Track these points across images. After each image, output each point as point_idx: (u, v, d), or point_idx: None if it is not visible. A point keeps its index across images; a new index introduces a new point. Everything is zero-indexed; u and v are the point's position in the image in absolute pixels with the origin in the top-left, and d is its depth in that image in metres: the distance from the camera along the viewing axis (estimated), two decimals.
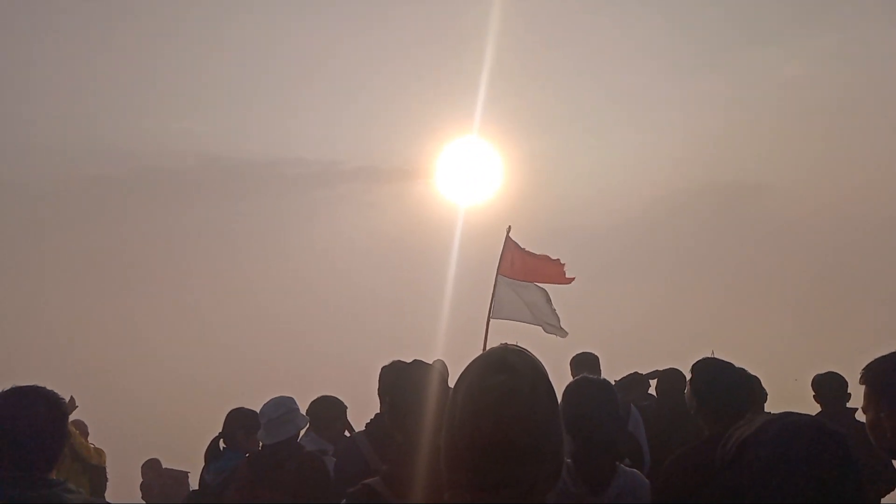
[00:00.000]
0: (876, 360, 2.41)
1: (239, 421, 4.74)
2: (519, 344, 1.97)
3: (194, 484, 5.44)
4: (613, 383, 6.77)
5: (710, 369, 3.33)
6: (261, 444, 4.29)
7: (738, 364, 3.38)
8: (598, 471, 3.01)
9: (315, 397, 5.02)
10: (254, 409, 4.59)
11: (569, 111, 20.26)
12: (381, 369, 4.18)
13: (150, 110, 18.71)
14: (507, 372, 1.69)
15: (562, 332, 7.57)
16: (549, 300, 7.62)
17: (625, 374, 6.93)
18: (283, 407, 4.21)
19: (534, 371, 1.73)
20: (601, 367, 5.58)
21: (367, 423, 4.19)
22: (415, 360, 2.86)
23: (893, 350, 2.39)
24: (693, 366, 3.39)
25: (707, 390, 3.25)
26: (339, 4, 18.81)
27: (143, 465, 8.09)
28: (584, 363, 5.53)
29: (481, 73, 11.04)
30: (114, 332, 15.26)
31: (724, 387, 3.23)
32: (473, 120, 11.69)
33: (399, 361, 4.05)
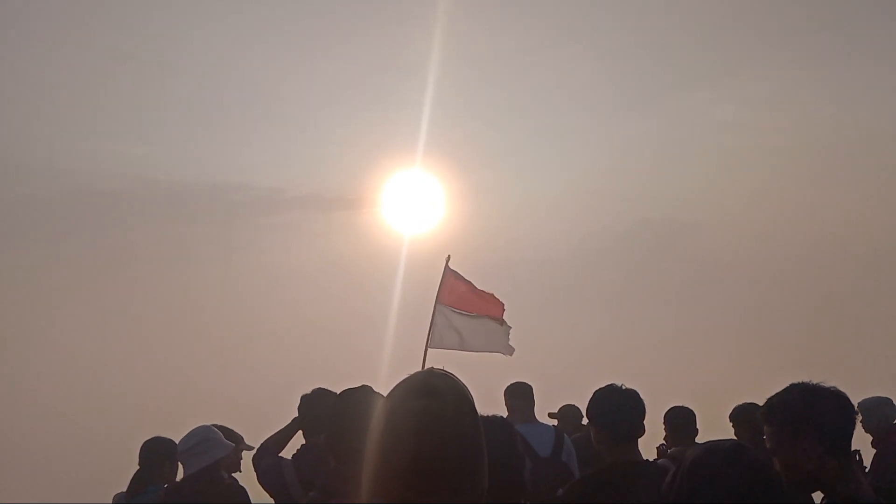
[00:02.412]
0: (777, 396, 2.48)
1: (162, 450, 4.55)
2: (446, 369, 1.95)
3: None
4: (548, 415, 6.88)
5: (602, 397, 3.33)
6: (182, 472, 4.15)
7: (685, 401, 3.41)
8: None
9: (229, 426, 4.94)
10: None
11: (507, 147, 20.65)
12: (302, 397, 4.10)
13: (87, 131, 18.18)
14: (430, 396, 1.67)
15: (509, 350, 7.57)
16: (499, 321, 7.60)
17: (560, 406, 7.03)
18: (195, 437, 4.09)
19: (458, 395, 1.71)
20: (535, 397, 5.59)
21: (293, 453, 4.10)
22: (362, 385, 2.78)
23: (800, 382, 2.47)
24: (591, 396, 3.40)
25: (600, 417, 3.29)
26: (286, 34, 18.80)
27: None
28: (518, 393, 5.54)
29: (423, 107, 11.18)
30: (38, 356, 14.58)
31: (615, 412, 3.26)
32: (416, 152, 11.81)
33: (322, 389, 4.00)
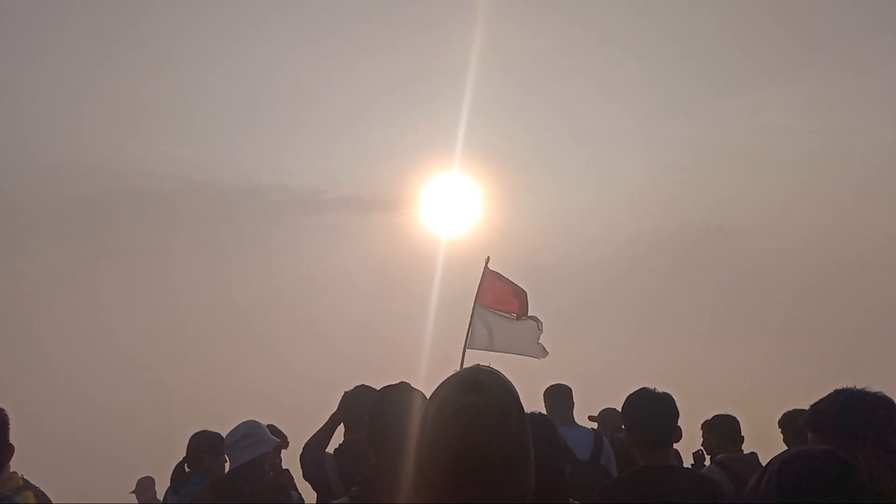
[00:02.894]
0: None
1: (202, 444, 4.66)
2: (493, 367, 1.97)
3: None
4: (588, 418, 6.84)
5: (635, 401, 3.32)
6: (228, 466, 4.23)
7: (725, 408, 3.35)
8: None
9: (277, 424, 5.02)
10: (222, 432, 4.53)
11: (545, 150, 20.61)
12: (344, 394, 4.17)
13: (135, 133, 18.67)
14: (477, 392, 1.68)
15: (542, 353, 7.54)
16: (537, 325, 7.58)
17: (600, 410, 6.98)
18: (241, 431, 4.17)
19: (505, 393, 1.72)
20: (574, 399, 5.57)
21: (335, 449, 4.15)
22: (401, 382, 2.80)
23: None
24: (625, 400, 3.38)
25: (634, 422, 3.28)
26: (328, 38, 19.04)
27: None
28: (557, 394, 5.52)
29: (462, 110, 11.22)
30: (94, 353, 14.99)
31: (648, 417, 3.23)
32: (454, 155, 11.85)
33: (363, 385, 4.06)
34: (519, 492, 1.66)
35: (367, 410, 2.67)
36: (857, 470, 1.92)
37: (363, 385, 4.10)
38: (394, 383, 2.80)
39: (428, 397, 1.77)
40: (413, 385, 2.77)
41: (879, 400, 2.37)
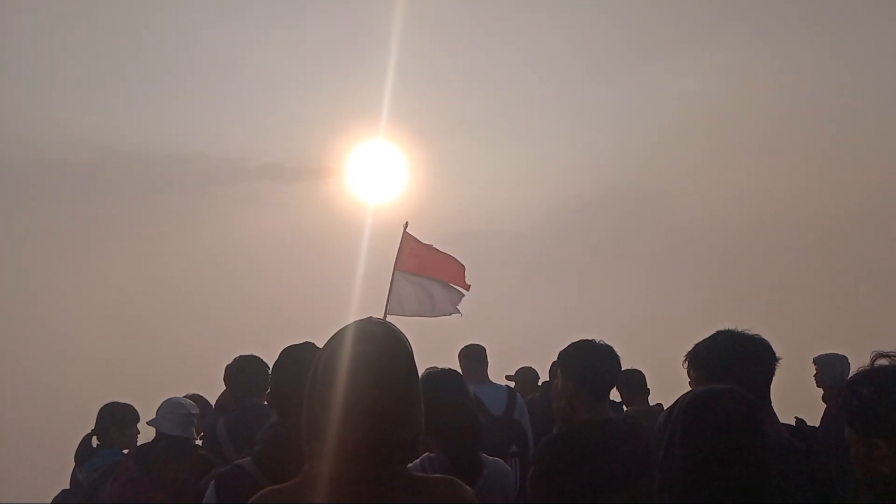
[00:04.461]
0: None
1: (113, 416, 4.54)
2: (385, 319, 1.98)
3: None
4: (505, 377, 7.00)
5: (581, 351, 3.13)
6: (156, 433, 4.13)
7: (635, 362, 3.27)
8: (466, 463, 2.85)
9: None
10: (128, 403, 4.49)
11: (469, 117, 20.59)
12: (226, 367, 4.39)
13: (44, 99, 17.65)
14: (367, 342, 1.72)
15: (454, 310, 7.63)
16: (446, 286, 7.65)
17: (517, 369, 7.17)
18: (195, 409, 4.18)
19: (395, 341, 1.76)
20: (489, 360, 5.68)
21: (226, 414, 4.21)
22: (305, 342, 2.77)
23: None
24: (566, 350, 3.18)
25: (581, 373, 3.06)
26: (247, 4, 18.41)
27: None
28: (472, 354, 5.61)
29: (386, 77, 11.08)
30: (13, 333, 14.30)
31: (597, 368, 3.07)
32: (380, 122, 11.72)
33: (242, 355, 4.25)
34: (409, 435, 1.70)
35: (253, 376, 2.66)
36: (756, 407, 2.02)
37: (241, 356, 4.31)
38: (297, 343, 2.78)
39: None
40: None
41: (755, 341, 2.51)
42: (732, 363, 2.42)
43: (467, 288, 7.87)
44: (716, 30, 19.09)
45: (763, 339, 2.51)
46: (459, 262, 7.89)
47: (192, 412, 4.13)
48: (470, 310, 8.04)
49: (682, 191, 19.32)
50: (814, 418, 5.99)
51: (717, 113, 19.18)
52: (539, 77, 19.63)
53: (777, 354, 2.52)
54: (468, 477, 2.81)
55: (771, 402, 2.51)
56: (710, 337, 2.54)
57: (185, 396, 4.57)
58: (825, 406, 6.29)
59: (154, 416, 4.15)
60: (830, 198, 17.20)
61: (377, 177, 12.42)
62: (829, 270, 16.30)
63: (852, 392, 1.89)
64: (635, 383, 5.68)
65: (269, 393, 2.67)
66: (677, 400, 2.13)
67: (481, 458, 2.96)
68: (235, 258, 16.93)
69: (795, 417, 3.86)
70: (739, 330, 2.53)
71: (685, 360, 2.58)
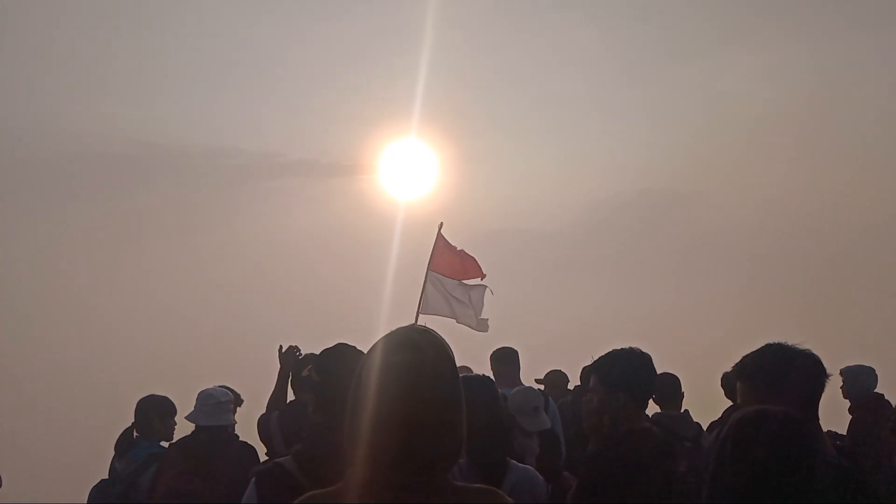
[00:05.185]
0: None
1: (154, 408, 4.63)
2: (428, 326, 2.00)
3: None
4: (535, 381, 6.98)
5: (631, 361, 3.08)
6: (195, 426, 4.21)
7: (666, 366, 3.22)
8: (490, 466, 2.92)
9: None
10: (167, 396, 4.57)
11: (501, 115, 20.48)
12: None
13: (87, 94, 18.00)
14: (410, 350, 1.72)
15: (483, 327, 7.62)
16: (480, 295, 7.65)
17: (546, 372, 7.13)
18: (227, 395, 4.22)
19: (438, 350, 1.76)
20: (521, 363, 5.67)
21: (281, 409, 4.23)
22: (339, 343, 2.81)
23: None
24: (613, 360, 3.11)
25: (637, 385, 3.02)
26: (284, 2, 18.58)
27: None
28: (503, 358, 5.61)
29: (419, 74, 11.11)
30: (34, 323, 14.64)
31: (646, 378, 3.05)
32: (412, 119, 11.77)
33: (312, 353, 4.15)
34: (451, 444, 1.71)
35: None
36: (810, 430, 2.00)
37: (311, 353, 4.17)
38: (344, 344, 2.80)
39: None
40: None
41: (804, 356, 2.47)
42: (781, 378, 2.39)
43: (483, 276, 7.81)
44: (753, 30, 18.78)
45: (813, 354, 2.47)
46: (479, 268, 7.88)
47: (222, 399, 4.20)
48: (499, 309, 8.05)
49: (717, 193, 19.04)
50: (837, 426, 5.91)
51: (753, 114, 18.88)
52: (573, 75, 19.45)
53: (827, 371, 2.48)
54: (492, 477, 2.88)
55: (818, 419, 2.47)
56: (758, 349, 2.51)
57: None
58: (851, 417, 6.20)
59: (191, 409, 4.26)
60: (869, 202, 16.86)
61: (409, 174, 12.51)
62: (867, 278, 15.98)
63: None
64: (668, 389, 5.62)
65: (315, 393, 2.71)
66: (724, 413, 2.11)
67: (507, 459, 2.99)
68: (269, 252, 17.12)
69: (828, 431, 3.80)
70: (790, 343, 2.49)
71: (732, 372, 2.56)
